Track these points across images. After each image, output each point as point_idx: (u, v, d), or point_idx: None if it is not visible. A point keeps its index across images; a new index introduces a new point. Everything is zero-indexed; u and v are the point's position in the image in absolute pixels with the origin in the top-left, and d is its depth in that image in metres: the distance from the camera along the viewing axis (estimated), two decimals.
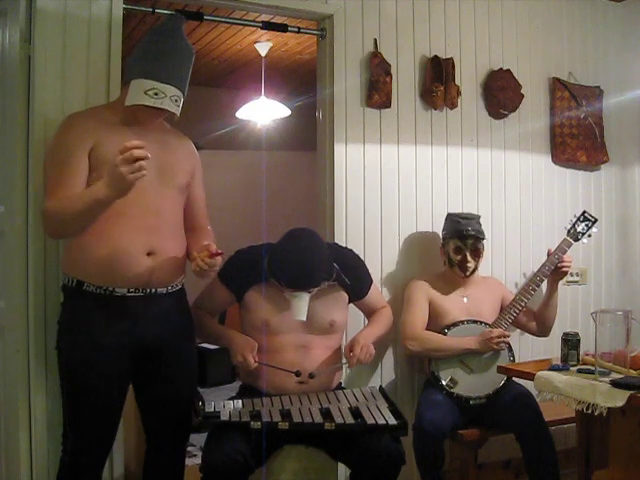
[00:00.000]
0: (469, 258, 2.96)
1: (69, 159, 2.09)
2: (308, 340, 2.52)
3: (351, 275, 2.59)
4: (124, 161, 1.84)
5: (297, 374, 2.46)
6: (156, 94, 2.10)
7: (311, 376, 2.47)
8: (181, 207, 2.32)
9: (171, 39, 2.16)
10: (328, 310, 2.55)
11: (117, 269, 2.13)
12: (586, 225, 3.17)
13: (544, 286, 3.12)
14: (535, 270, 3.14)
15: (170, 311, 2.28)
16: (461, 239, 2.97)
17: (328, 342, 2.56)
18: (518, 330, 3.27)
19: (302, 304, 2.42)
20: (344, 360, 2.57)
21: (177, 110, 2.17)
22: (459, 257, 2.97)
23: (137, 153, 1.84)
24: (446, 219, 3.07)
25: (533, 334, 3.19)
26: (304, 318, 2.44)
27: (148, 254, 2.17)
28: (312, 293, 2.45)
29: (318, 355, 2.53)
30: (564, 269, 3.08)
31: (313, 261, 2.43)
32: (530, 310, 3.14)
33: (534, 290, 3.04)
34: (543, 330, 3.14)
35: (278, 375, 2.46)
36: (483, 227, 3.05)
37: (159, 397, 2.30)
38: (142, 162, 1.85)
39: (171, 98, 2.13)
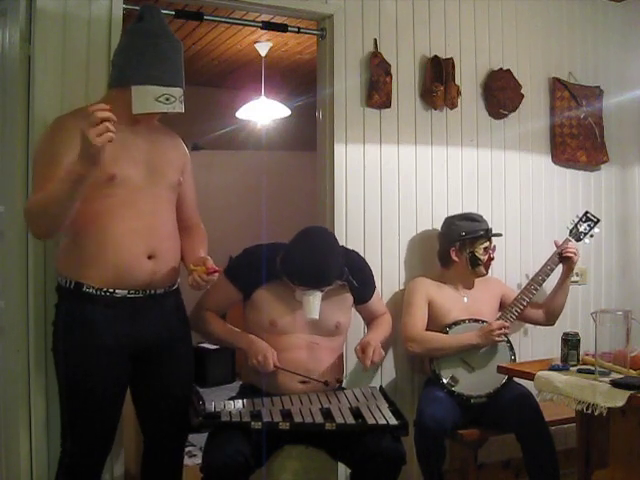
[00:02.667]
0: (492, 256, 3.01)
1: (58, 165, 2.07)
2: (313, 341, 2.52)
3: (358, 278, 2.59)
4: (89, 124, 1.84)
5: (326, 384, 2.47)
6: (167, 99, 2.11)
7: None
8: (174, 206, 2.32)
9: (163, 38, 2.14)
10: (333, 312, 2.55)
11: (119, 272, 2.13)
12: (588, 225, 3.18)
13: (545, 285, 3.13)
14: (537, 269, 3.13)
15: (168, 311, 2.28)
16: (489, 239, 3.00)
17: (332, 344, 2.56)
18: (520, 330, 3.27)
19: (315, 302, 2.42)
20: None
21: (183, 108, 2.18)
22: (486, 256, 3.00)
23: (100, 114, 1.84)
24: (460, 219, 3.04)
25: (539, 324, 3.20)
26: (317, 316, 2.43)
27: (149, 257, 2.17)
28: (324, 292, 2.45)
29: (323, 356, 2.53)
30: (568, 254, 3.08)
31: (327, 259, 2.44)
32: (535, 303, 3.14)
33: (536, 290, 3.04)
34: (550, 317, 3.15)
35: (279, 375, 2.46)
36: None
37: (156, 398, 2.29)
38: (107, 123, 1.85)
39: (179, 99, 2.15)
